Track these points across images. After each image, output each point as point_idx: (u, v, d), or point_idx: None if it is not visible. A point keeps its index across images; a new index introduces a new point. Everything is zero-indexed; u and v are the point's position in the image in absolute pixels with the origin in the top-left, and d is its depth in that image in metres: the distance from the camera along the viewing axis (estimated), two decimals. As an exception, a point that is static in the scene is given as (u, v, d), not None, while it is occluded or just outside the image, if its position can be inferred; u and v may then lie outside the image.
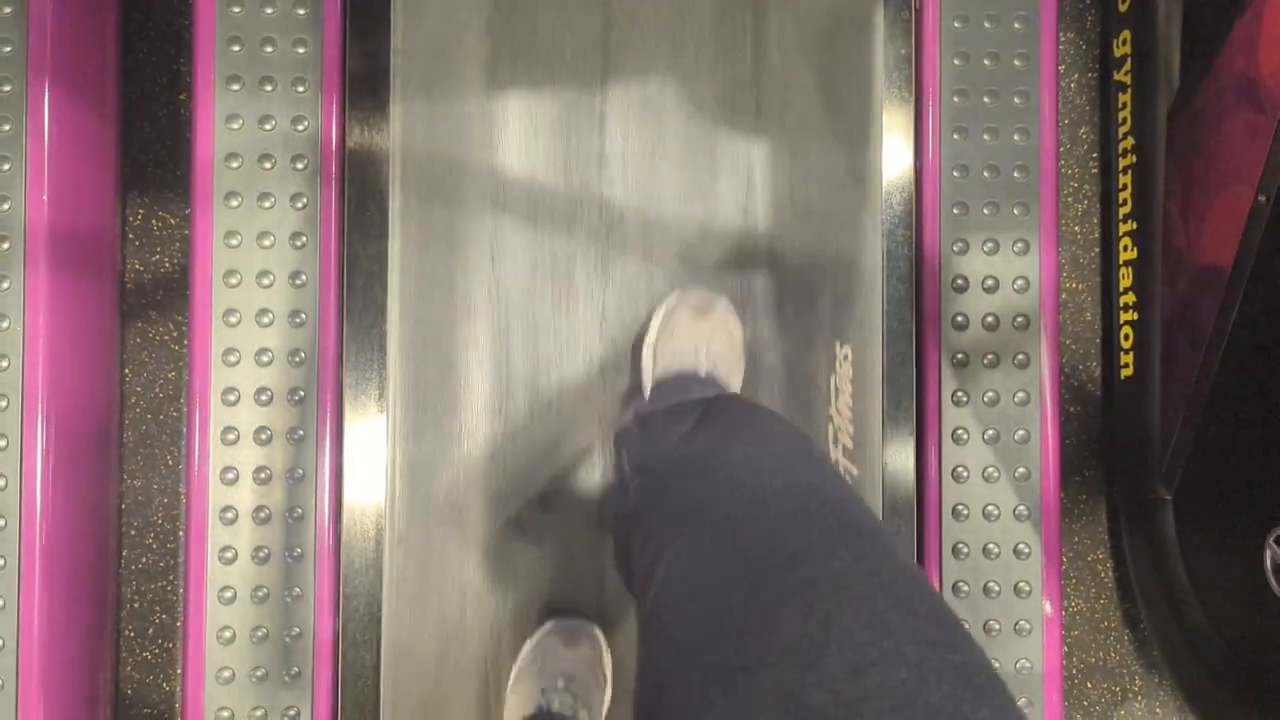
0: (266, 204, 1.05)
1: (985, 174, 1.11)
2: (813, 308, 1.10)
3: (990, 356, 1.11)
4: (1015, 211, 1.11)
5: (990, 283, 1.11)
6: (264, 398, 1.04)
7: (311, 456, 1.04)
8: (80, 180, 1.07)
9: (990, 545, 1.09)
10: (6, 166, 1.00)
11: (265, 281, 1.05)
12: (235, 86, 1.05)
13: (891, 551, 0.49)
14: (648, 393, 1.00)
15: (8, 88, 1.00)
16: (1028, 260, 1.11)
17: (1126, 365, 1.14)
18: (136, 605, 1.14)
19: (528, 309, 1.08)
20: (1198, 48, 1.08)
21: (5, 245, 1.00)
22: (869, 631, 0.41)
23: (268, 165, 1.05)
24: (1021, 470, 1.09)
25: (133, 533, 1.15)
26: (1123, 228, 1.15)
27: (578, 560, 1.07)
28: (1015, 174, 1.11)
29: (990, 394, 1.10)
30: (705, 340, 0.99)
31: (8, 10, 1.00)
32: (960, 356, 1.11)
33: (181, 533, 1.14)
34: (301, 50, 1.06)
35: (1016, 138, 1.11)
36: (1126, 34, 1.14)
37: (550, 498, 1.07)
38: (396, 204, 1.06)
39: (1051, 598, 1.09)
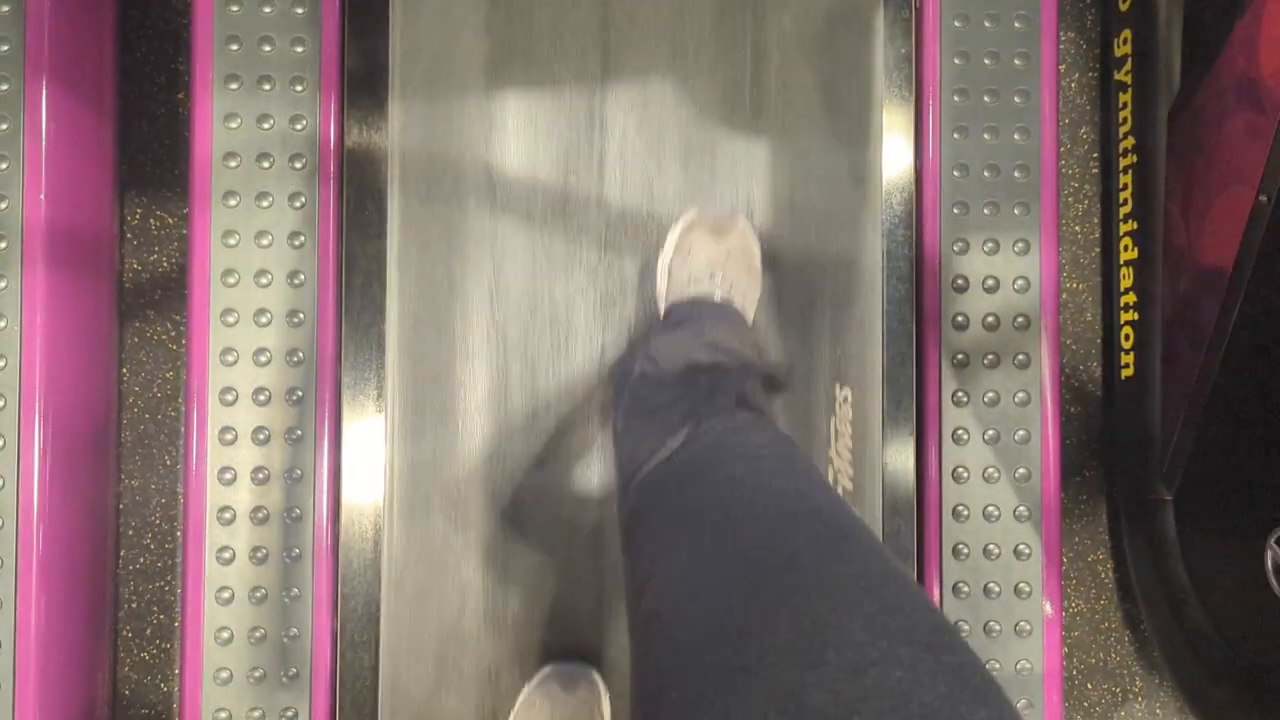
0: (265, 203, 1.05)
1: (986, 174, 1.11)
2: (812, 310, 1.09)
3: (990, 357, 1.10)
4: (1016, 211, 1.11)
5: (991, 283, 1.11)
6: (262, 398, 1.04)
7: (309, 457, 1.04)
8: (78, 179, 1.06)
9: (990, 546, 1.09)
10: (4, 165, 1.00)
11: (263, 281, 1.04)
12: (233, 85, 1.05)
13: (882, 556, 0.50)
14: (662, 311, 0.99)
15: (5, 86, 1.00)
16: (1028, 260, 1.11)
17: (1127, 365, 1.14)
18: (134, 605, 1.14)
19: (526, 309, 1.07)
20: (1198, 48, 1.07)
21: (3, 244, 1.00)
22: (866, 633, 0.41)
23: (266, 164, 1.05)
24: (1022, 471, 1.09)
25: (131, 533, 1.14)
26: (1123, 227, 1.15)
27: (576, 558, 1.06)
28: (1016, 174, 1.11)
29: (990, 394, 1.10)
30: (721, 263, 0.97)
31: (5, 9, 1.00)
32: (960, 357, 1.10)
33: (179, 533, 1.14)
34: (300, 49, 1.06)
35: (1017, 137, 1.11)
36: (1127, 33, 1.13)
37: (549, 496, 1.07)
38: (395, 203, 1.06)
39: (1052, 598, 1.09)
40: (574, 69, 1.09)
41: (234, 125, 1.05)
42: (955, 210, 1.11)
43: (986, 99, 1.11)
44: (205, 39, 1.05)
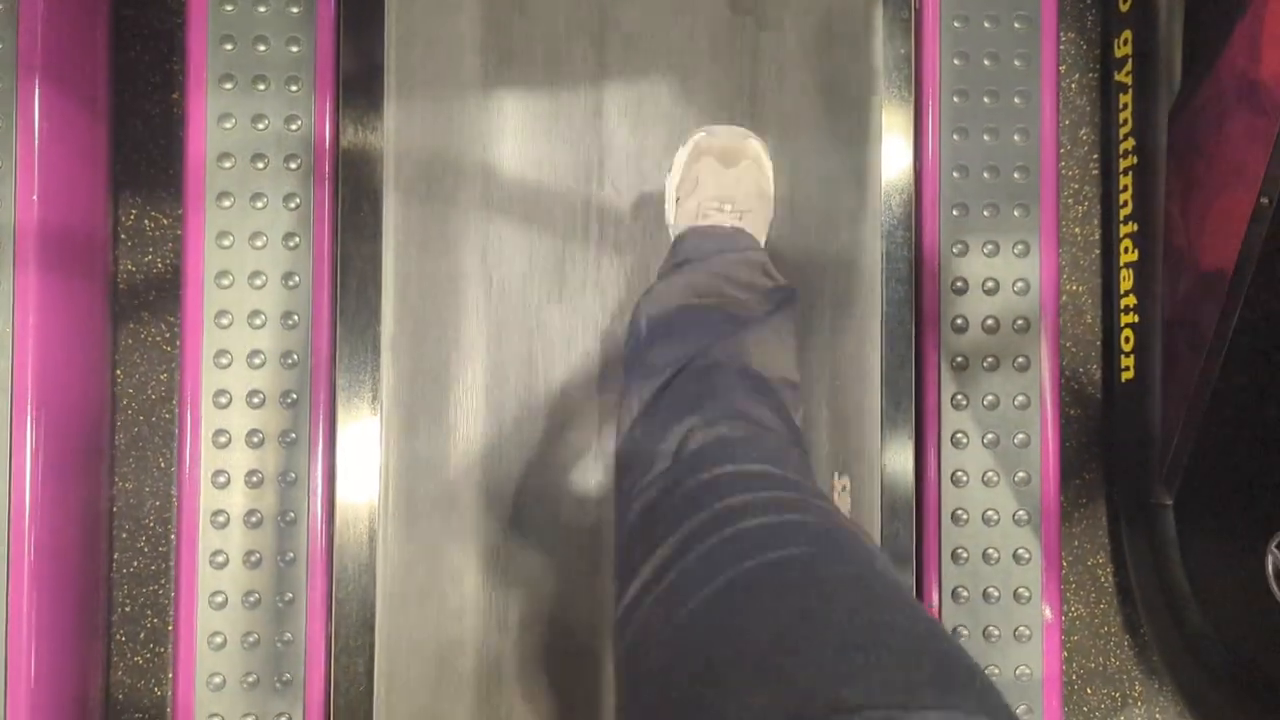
0: (259, 204, 1.04)
1: (985, 175, 1.10)
2: (810, 312, 1.09)
3: (990, 359, 1.10)
4: (1015, 213, 1.10)
5: (990, 285, 1.10)
6: (256, 400, 1.03)
7: (304, 460, 1.03)
8: (71, 180, 1.06)
9: (990, 550, 1.08)
10: (-4, 166, 0.99)
11: (258, 283, 1.04)
12: (228, 85, 1.04)
13: (871, 555, 0.51)
14: (673, 237, 0.96)
15: (-3, 86, 0.99)
16: (1028, 262, 1.10)
17: (1127, 368, 1.14)
18: (128, 609, 1.13)
19: (522, 310, 1.07)
20: (1199, 49, 1.07)
21: (-6, 246, 0.99)
22: (855, 622, 0.42)
23: (260, 165, 1.04)
24: (1021, 474, 1.09)
25: (124, 536, 1.14)
26: (1123, 229, 1.14)
27: (573, 561, 1.06)
28: (1015, 175, 1.10)
29: (990, 397, 1.09)
30: (731, 191, 0.93)
31: (-3, 8, 0.99)
32: (960, 359, 1.10)
33: (174, 536, 1.13)
34: (295, 49, 1.05)
35: (1017, 138, 1.11)
36: (1128, 34, 1.13)
37: (546, 499, 1.06)
38: (390, 204, 1.05)
39: (1051, 603, 1.08)
40: (571, 68, 1.08)
41: (228, 125, 1.04)
42: (955, 212, 1.10)
43: (986, 100, 1.11)
44: (199, 38, 1.04)
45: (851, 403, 1.08)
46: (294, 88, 1.05)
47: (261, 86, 1.05)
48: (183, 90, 1.08)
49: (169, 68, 1.16)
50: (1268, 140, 0.86)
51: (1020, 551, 1.08)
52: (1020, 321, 1.10)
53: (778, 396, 0.76)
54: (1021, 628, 1.08)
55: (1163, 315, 1.09)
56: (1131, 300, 1.13)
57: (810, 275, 1.09)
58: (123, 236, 1.15)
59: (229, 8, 1.04)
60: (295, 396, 1.03)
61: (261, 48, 1.05)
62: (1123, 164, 1.14)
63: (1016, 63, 1.11)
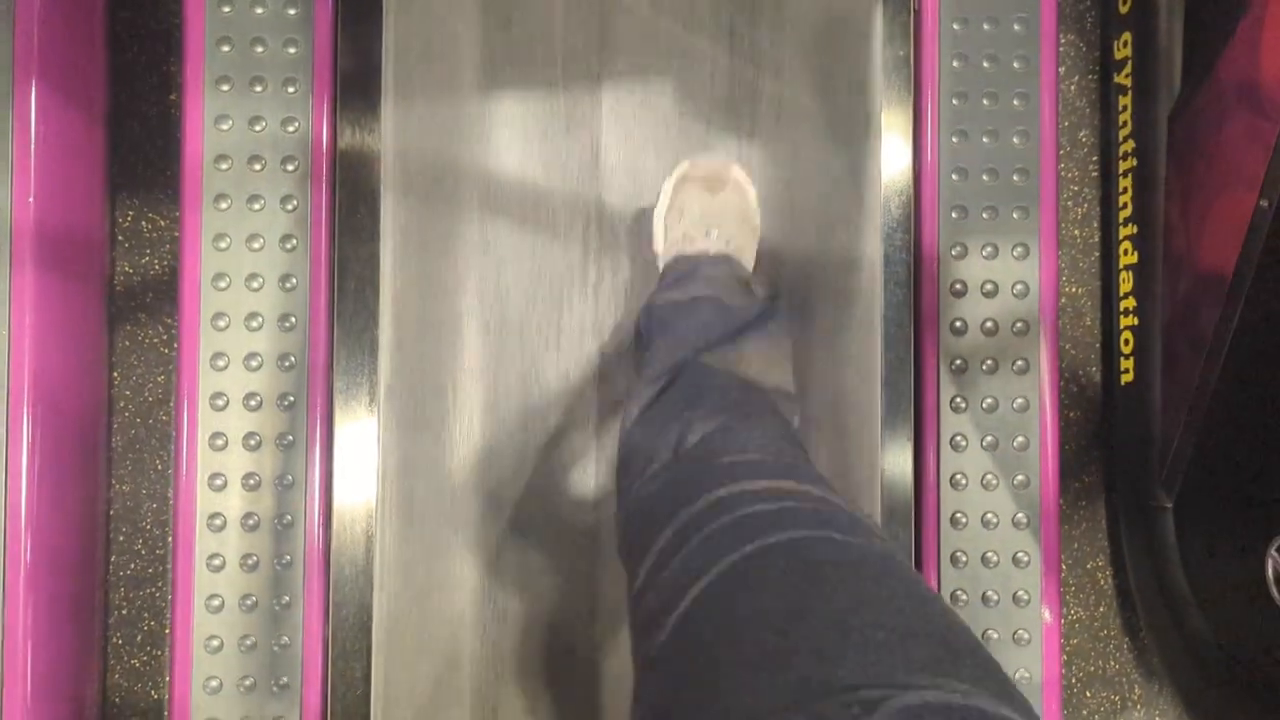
0: (256, 206, 1.04)
1: (984, 177, 1.10)
2: (809, 314, 1.09)
3: (989, 362, 1.09)
4: (1015, 215, 1.10)
5: (989, 287, 1.10)
6: (253, 403, 1.03)
7: (301, 462, 1.03)
8: (68, 181, 1.05)
9: (989, 554, 1.08)
10: (-8, 167, 0.99)
11: (255, 285, 1.03)
12: (225, 87, 1.04)
13: (870, 533, 0.52)
14: (661, 267, 0.99)
15: (-7, 88, 0.99)
16: (1027, 264, 1.10)
17: (1127, 371, 1.13)
18: (125, 612, 1.13)
19: (521, 313, 1.06)
20: (1199, 50, 1.07)
21: (-10, 247, 0.99)
22: (853, 604, 0.43)
23: (258, 167, 1.04)
24: (1020, 477, 1.08)
25: (121, 538, 1.13)
26: (1123, 231, 1.14)
27: (571, 564, 1.05)
28: (1015, 177, 1.10)
29: (989, 400, 1.09)
30: (716, 218, 0.96)
31: (-7, 9, 0.99)
32: (959, 362, 1.09)
33: (170, 539, 1.13)
34: (292, 51, 1.05)
35: (1016, 140, 1.10)
36: (1127, 36, 1.13)
37: (544, 502, 1.06)
38: (388, 206, 1.05)
39: (1050, 606, 1.08)
40: (569, 70, 1.08)
41: (225, 127, 1.04)
42: (954, 214, 1.10)
43: (985, 102, 1.10)
44: (196, 40, 1.04)
45: (850, 405, 1.08)
46: (291, 89, 1.05)
47: (259, 88, 1.04)
48: (180, 92, 1.08)
49: (166, 69, 1.15)
50: (1268, 142, 0.86)
51: (1019, 555, 1.08)
52: (1019, 324, 1.10)
53: (774, 402, 0.78)
54: (1021, 631, 1.07)
55: (1162, 318, 1.09)
56: (1131, 303, 1.12)
57: (809, 277, 1.09)
58: (120, 238, 1.15)
59: (226, 9, 1.04)
60: (292, 399, 1.03)
61: (259, 49, 1.04)
62: (1122, 166, 1.14)
63: (1016, 65, 1.11)
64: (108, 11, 1.12)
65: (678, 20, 1.09)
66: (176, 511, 1.03)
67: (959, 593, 1.08)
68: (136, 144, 1.15)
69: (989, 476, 1.08)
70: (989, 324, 1.10)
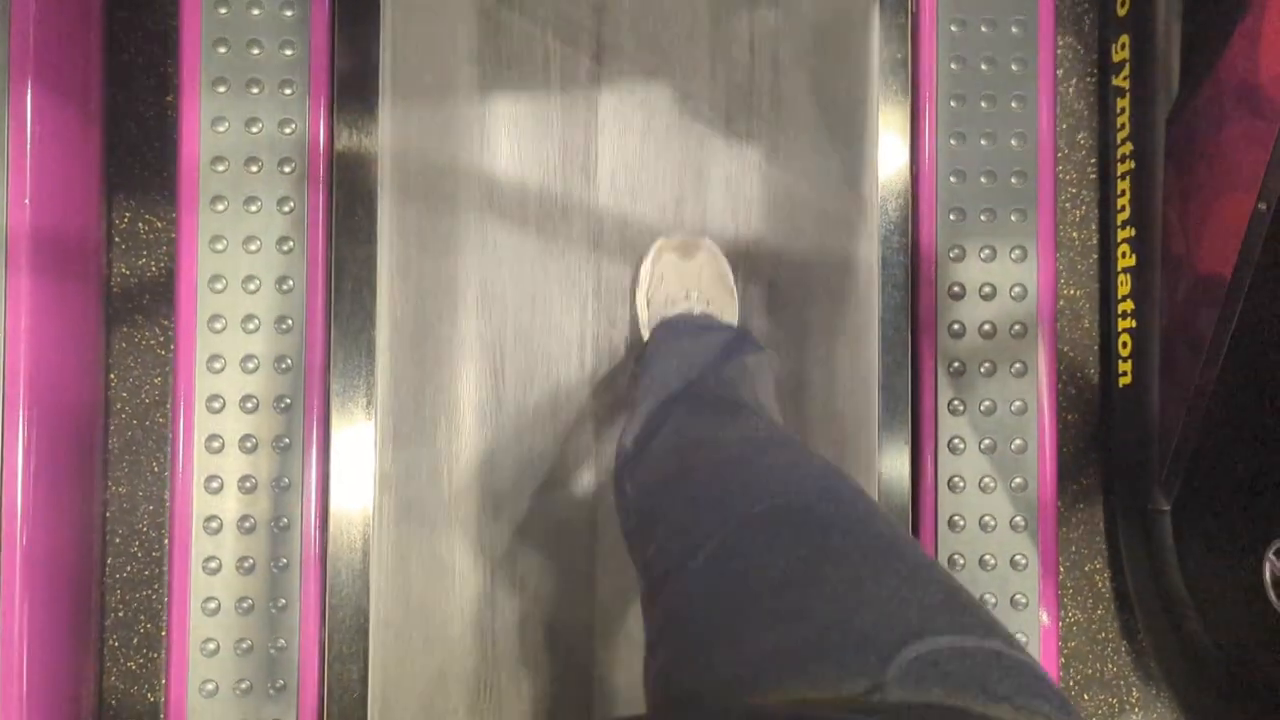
0: (253, 208, 1.03)
1: (982, 179, 1.10)
2: (807, 316, 1.08)
3: (987, 364, 1.09)
4: (1013, 218, 1.10)
5: (987, 290, 1.10)
6: (249, 405, 1.02)
7: (297, 465, 1.02)
8: (64, 182, 1.05)
9: (987, 556, 1.08)
10: (-12, 169, 0.99)
11: (251, 287, 1.03)
12: (221, 89, 1.04)
13: (872, 503, 0.54)
14: (646, 336, 1.02)
15: (-11, 89, 0.99)
16: (1025, 267, 1.10)
17: (1125, 373, 1.13)
18: (121, 614, 1.13)
19: (518, 314, 1.06)
20: (1197, 53, 1.06)
21: (-14, 249, 0.99)
22: (865, 555, 0.45)
23: (254, 169, 1.04)
24: (1018, 480, 1.08)
25: (118, 540, 1.13)
26: (1121, 234, 1.14)
27: (569, 566, 1.05)
28: (1013, 179, 1.10)
29: (987, 403, 1.09)
30: (695, 279, 1.02)
31: (-11, 10, 0.98)
32: (956, 365, 1.09)
33: (167, 541, 1.12)
34: (289, 52, 1.05)
35: (1014, 143, 1.10)
36: (1125, 38, 1.13)
37: (540, 504, 1.05)
38: (385, 208, 1.04)
39: (1048, 609, 1.08)
40: (567, 72, 1.08)
41: (222, 129, 1.04)
42: (951, 216, 1.10)
43: (983, 104, 1.10)
44: (193, 41, 1.04)
45: (848, 408, 1.07)
46: (288, 91, 1.04)
47: (255, 90, 1.04)
48: (177, 93, 1.08)
49: (163, 70, 1.15)
50: (1266, 145, 0.86)
51: (1017, 557, 1.08)
52: (1017, 326, 1.10)
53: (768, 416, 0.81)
54: (1019, 634, 1.07)
55: (1160, 320, 1.09)
56: (1129, 305, 1.12)
57: (807, 280, 1.09)
58: (116, 240, 1.14)
59: (223, 10, 1.04)
60: (289, 401, 1.03)
61: (255, 51, 1.04)
62: (1120, 168, 1.14)
63: (1014, 67, 1.11)
64: (104, 12, 1.12)
65: (676, 22, 1.09)
66: (173, 514, 1.02)
67: (957, 595, 1.07)
68: (133, 145, 1.15)
69: (987, 479, 1.08)
70: (987, 326, 1.09)
